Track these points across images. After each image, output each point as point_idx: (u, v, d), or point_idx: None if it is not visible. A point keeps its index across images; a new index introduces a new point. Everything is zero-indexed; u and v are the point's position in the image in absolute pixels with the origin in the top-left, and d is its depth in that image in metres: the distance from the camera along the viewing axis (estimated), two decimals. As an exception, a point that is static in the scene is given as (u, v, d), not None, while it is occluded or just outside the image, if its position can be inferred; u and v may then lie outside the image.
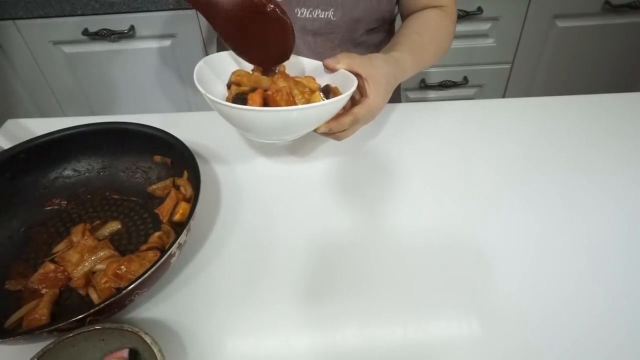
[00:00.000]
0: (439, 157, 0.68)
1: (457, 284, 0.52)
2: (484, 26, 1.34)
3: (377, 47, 0.83)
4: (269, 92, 0.56)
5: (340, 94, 0.58)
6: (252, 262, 0.55)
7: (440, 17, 0.74)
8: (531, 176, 0.65)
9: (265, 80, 0.58)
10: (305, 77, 0.61)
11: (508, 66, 1.44)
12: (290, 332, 0.48)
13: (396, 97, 0.90)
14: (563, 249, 0.55)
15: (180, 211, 0.56)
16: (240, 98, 0.55)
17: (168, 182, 0.61)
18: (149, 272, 0.44)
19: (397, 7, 0.80)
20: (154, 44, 1.31)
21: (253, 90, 0.57)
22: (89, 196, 0.63)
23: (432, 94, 1.51)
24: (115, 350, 0.44)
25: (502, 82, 1.48)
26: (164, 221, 0.57)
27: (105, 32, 1.24)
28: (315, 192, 0.64)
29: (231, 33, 0.58)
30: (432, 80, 1.46)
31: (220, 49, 0.89)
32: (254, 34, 0.56)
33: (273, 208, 0.62)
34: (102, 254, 0.53)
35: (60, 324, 0.41)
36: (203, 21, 1.26)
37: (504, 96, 1.52)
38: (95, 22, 1.24)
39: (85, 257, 0.53)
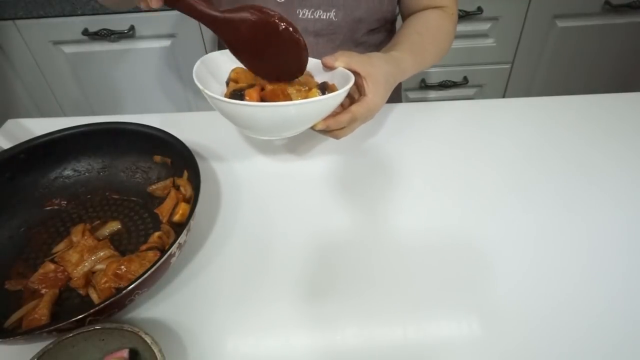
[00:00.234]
0: (438, 157, 0.68)
1: (457, 283, 0.52)
2: (484, 26, 1.34)
3: (378, 47, 0.83)
4: (266, 90, 0.56)
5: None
6: (252, 262, 0.55)
7: (441, 17, 0.74)
8: (531, 176, 0.65)
9: (262, 79, 0.58)
10: (303, 75, 0.61)
11: (508, 66, 1.44)
12: (290, 332, 0.48)
13: (396, 97, 0.90)
14: (563, 248, 0.55)
15: (180, 212, 0.56)
16: (237, 94, 0.55)
17: (168, 182, 0.61)
18: (149, 272, 0.44)
19: (398, 7, 0.80)
20: (154, 44, 1.31)
21: (250, 86, 0.56)
22: (89, 196, 0.63)
23: (432, 94, 1.51)
24: (115, 350, 0.44)
25: (502, 82, 1.48)
26: (164, 221, 0.57)
27: (105, 32, 1.24)
28: (315, 192, 0.64)
29: (245, 53, 0.58)
30: (432, 80, 1.46)
31: (221, 49, 0.89)
32: (267, 52, 0.56)
33: (273, 208, 0.62)
34: (102, 254, 0.53)
35: (60, 324, 0.41)
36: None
37: (504, 96, 1.52)
38: (95, 22, 1.24)
39: (85, 257, 0.53)
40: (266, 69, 0.58)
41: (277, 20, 0.52)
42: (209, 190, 0.64)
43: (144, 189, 0.62)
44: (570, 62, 1.44)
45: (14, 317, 0.49)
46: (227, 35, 0.55)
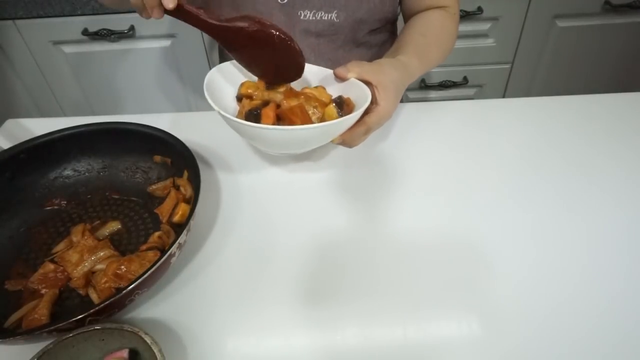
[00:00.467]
0: (438, 157, 0.68)
1: (457, 284, 0.52)
2: (484, 26, 1.34)
3: (380, 47, 0.83)
4: (283, 108, 0.56)
5: (353, 104, 0.59)
6: (252, 262, 0.55)
7: (444, 18, 0.74)
8: (531, 176, 0.65)
9: (277, 95, 0.59)
10: (316, 87, 0.61)
11: (508, 66, 1.44)
12: (290, 332, 0.48)
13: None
14: (563, 248, 0.55)
15: (180, 212, 0.56)
16: (253, 114, 0.56)
17: (168, 182, 0.61)
18: (149, 272, 0.44)
19: (399, 7, 0.80)
20: (154, 44, 1.31)
21: (265, 103, 0.57)
22: (89, 196, 0.63)
23: (432, 94, 1.51)
24: (115, 350, 0.44)
25: (502, 82, 1.48)
26: (164, 221, 0.57)
27: (105, 32, 1.24)
28: (315, 192, 0.64)
29: (244, 58, 0.59)
30: (432, 80, 1.46)
31: (222, 54, 0.89)
32: (264, 58, 0.57)
33: (273, 208, 0.62)
34: (102, 254, 0.53)
35: (60, 324, 0.41)
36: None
37: (504, 96, 1.52)
38: (95, 22, 1.24)
39: (85, 257, 0.53)
40: (264, 72, 0.60)
41: (272, 31, 0.53)
42: (209, 190, 0.64)
43: (144, 189, 0.62)
44: (570, 62, 1.44)
45: (14, 317, 0.48)
46: (225, 42, 0.57)
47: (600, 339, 0.46)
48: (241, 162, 0.69)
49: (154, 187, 0.62)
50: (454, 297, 0.51)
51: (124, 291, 0.43)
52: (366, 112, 0.57)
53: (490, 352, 0.46)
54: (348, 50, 0.78)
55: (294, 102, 0.57)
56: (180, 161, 0.59)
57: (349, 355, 0.46)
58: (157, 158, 0.63)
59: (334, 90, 0.61)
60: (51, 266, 0.53)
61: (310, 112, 0.57)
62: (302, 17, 0.72)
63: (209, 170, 0.67)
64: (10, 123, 0.78)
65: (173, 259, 0.49)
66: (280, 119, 0.56)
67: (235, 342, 0.48)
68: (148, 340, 0.42)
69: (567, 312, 0.49)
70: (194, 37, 1.29)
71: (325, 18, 0.72)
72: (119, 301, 0.44)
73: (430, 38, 0.70)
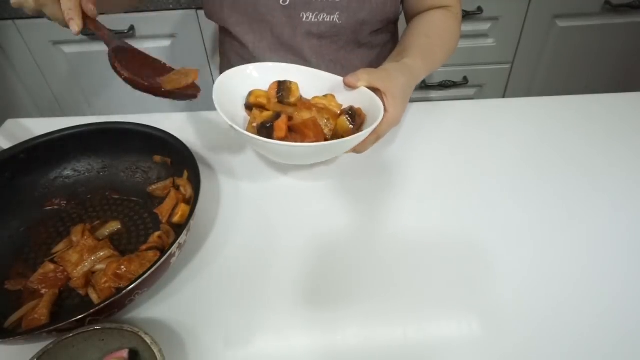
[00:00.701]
0: (438, 157, 0.68)
1: (457, 284, 0.52)
2: (484, 26, 1.34)
3: (382, 48, 0.83)
4: (295, 121, 0.57)
5: (364, 115, 0.59)
6: (253, 262, 0.55)
7: (447, 18, 0.74)
8: (531, 176, 0.65)
9: (289, 107, 0.59)
10: (326, 96, 0.62)
11: (508, 66, 1.44)
12: (290, 332, 0.48)
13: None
14: (563, 248, 0.55)
15: (180, 213, 0.56)
16: (266, 127, 0.56)
17: (168, 182, 0.61)
18: (149, 272, 0.44)
19: (401, 8, 0.80)
20: (154, 44, 1.31)
21: (277, 116, 0.57)
22: (89, 196, 0.63)
23: (432, 94, 1.51)
24: (115, 350, 0.44)
25: (502, 82, 1.48)
26: (164, 221, 0.57)
27: (105, 32, 1.24)
28: (315, 193, 0.64)
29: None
30: (432, 80, 1.46)
31: (223, 57, 0.89)
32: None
33: (273, 208, 0.62)
34: (102, 254, 0.53)
35: (60, 324, 0.41)
36: (205, 25, 1.26)
37: (504, 96, 1.52)
38: (95, 22, 1.23)
39: (85, 257, 0.53)
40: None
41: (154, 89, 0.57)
42: (209, 190, 0.64)
43: (144, 189, 0.62)
44: (570, 62, 1.44)
45: (14, 317, 0.48)
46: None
47: (600, 339, 0.46)
48: (241, 162, 0.69)
49: (154, 187, 0.62)
50: (454, 297, 0.51)
51: (124, 291, 0.43)
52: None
53: (490, 352, 0.46)
54: (350, 51, 0.78)
55: (306, 115, 0.57)
56: (180, 161, 0.59)
57: (350, 356, 0.46)
58: (157, 158, 0.63)
59: (344, 98, 0.61)
60: (51, 266, 0.53)
61: (322, 124, 0.57)
62: (304, 19, 0.72)
63: (209, 170, 0.67)
64: (10, 123, 0.78)
65: (173, 259, 0.49)
66: (292, 131, 0.57)
67: (235, 342, 0.48)
68: (148, 340, 0.42)
69: (567, 312, 0.49)
70: (194, 37, 1.29)
71: (327, 19, 0.72)
72: (119, 301, 0.44)
73: (434, 39, 0.70)
